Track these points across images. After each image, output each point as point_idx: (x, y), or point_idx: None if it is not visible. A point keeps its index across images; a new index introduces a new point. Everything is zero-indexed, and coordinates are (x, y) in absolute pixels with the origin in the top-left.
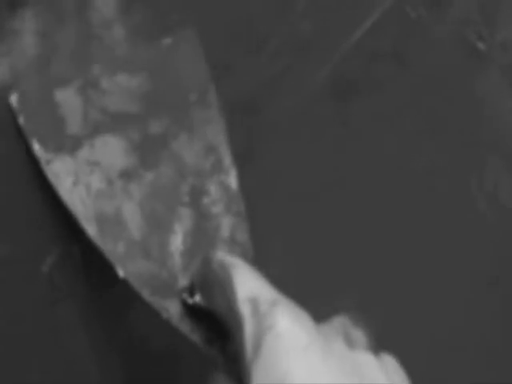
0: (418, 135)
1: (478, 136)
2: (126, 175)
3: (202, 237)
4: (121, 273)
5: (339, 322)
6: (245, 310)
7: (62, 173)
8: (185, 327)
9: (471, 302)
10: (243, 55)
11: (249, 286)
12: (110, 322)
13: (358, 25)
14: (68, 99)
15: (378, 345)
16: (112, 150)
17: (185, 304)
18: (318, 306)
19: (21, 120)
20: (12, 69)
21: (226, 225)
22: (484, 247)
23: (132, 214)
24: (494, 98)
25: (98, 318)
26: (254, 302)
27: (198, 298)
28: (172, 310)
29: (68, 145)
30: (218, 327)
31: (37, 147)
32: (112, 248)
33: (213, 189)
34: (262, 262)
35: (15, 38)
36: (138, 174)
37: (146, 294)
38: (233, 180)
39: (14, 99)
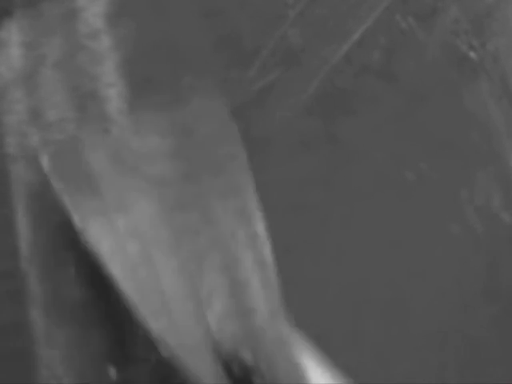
0: (408, 148)
1: (469, 148)
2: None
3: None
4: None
5: None
6: None
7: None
8: None
9: (462, 313)
10: (233, 68)
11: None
12: None
13: (348, 37)
14: None
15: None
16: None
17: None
18: None
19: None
20: None
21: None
22: (473, 259)
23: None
24: (484, 110)
25: None
26: None
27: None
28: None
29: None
30: None
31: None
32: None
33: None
34: None
35: (1, 49)
36: None
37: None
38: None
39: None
